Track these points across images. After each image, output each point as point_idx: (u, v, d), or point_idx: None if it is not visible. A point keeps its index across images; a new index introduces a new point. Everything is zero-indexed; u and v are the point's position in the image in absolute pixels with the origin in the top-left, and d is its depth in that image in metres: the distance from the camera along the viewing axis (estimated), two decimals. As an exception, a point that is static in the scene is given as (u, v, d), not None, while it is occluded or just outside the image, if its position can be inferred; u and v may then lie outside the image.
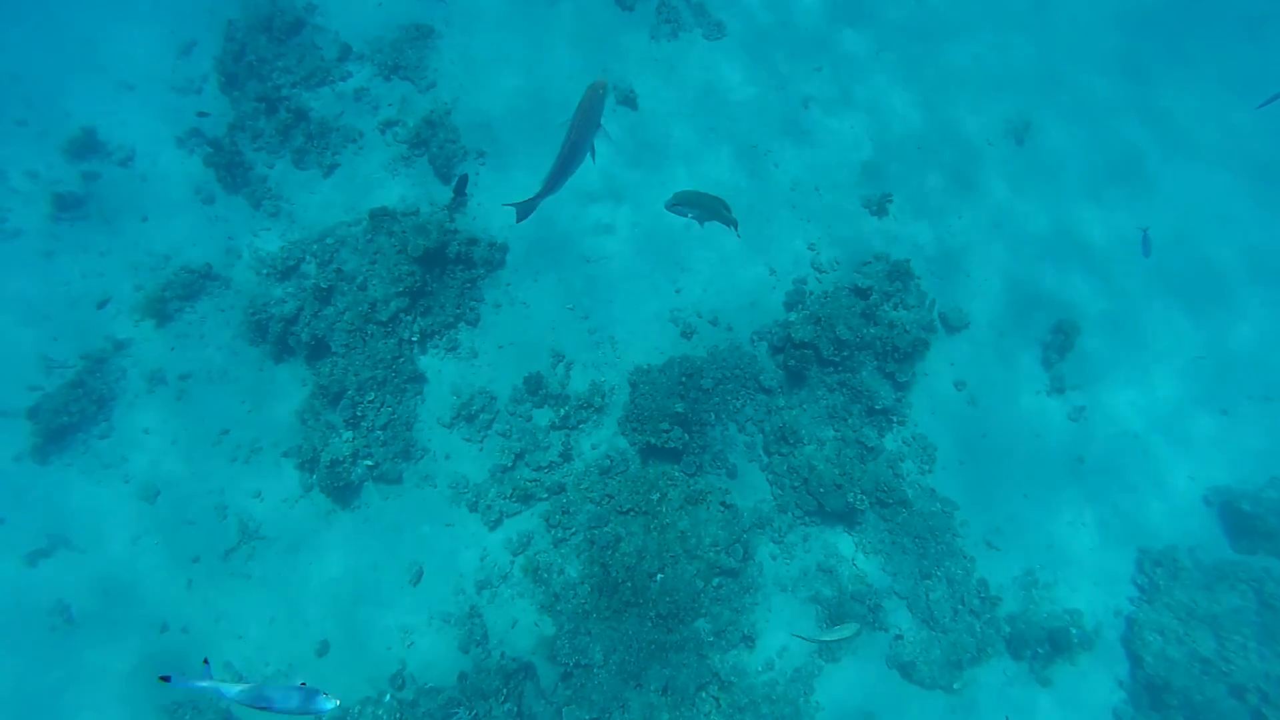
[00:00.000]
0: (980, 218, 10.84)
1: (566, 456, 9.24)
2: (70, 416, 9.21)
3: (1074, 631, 8.80)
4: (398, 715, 8.16)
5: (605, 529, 8.79)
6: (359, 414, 9.17)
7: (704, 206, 6.95)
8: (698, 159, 10.79)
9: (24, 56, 10.87)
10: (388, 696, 8.38)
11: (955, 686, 8.65)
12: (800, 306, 9.96)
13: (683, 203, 6.90)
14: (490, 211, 10.29)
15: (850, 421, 9.56)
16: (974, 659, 8.77)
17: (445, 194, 10.31)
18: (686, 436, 9.06)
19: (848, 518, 9.24)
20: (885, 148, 11.24)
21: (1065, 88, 12.17)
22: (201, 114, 10.48)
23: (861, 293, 9.76)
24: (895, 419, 9.70)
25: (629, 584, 8.51)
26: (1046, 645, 8.79)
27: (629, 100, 10.87)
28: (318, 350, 9.49)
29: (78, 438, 9.32)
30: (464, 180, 8.61)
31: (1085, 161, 11.70)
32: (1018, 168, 11.23)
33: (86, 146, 10.51)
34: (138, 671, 8.45)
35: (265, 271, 9.95)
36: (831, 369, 9.63)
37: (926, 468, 9.65)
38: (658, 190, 10.53)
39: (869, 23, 12.17)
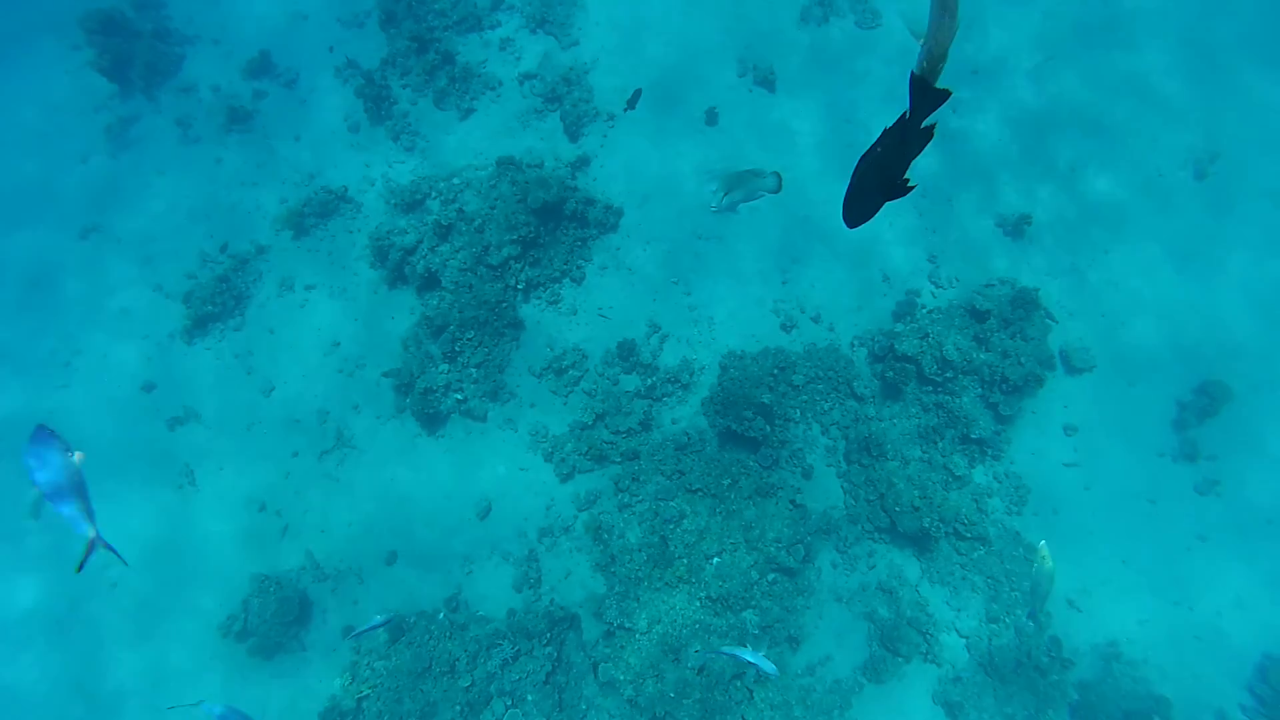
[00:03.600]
0: (1134, 255, 9.82)
1: (646, 426, 9.34)
2: (214, 307, 10.24)
3: None
4: (448, 634, 8.66)
5: (671, 503, 8.86)
6: (457, 349, 9.62)
7: (746, 185, 6.28)
8: (827, 149, 10.41)
9: (222, -21, 11.93)
10: (441, 615, 8.91)
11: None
12: (909, 319, 9.51)
13: (729, 192, 6.27)
14: (611, 174, 10.41)
15: (941, 445, 9.10)
16: (1030, 717, 8.26)
17: (570, 150, 10.51)
18: (768, 428, 8.93)
19: (919, 542, 8.86)
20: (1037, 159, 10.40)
21: (1257, 118, 10.59)
22: (331, 49, 11.19)
23: (978, 315, 9.19)
24: (990, 452, 9.14)
25: (685, 561, 8.57)
26: (1118, 723, 8.14)
27: (767, 81, 10.61)
28: (429, 283, 10.01)
29: (216, 327, 10.34)
30: (637, 94, 8.69)
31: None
32: (1192, 204, 9.94)
33: (261, 67, 11.46)
34: (241, 538, 9.43)
35: (393, 202, 10.55)
36: (931, 388, 9.18)
37: (1015, 509, 9.06)
38: (785, 176, 10.26)
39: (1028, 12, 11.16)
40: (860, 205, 2.78)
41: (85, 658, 9.17)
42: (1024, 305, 9.27)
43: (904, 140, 2.63)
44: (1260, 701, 8.12)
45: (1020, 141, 10.30)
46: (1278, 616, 8.42)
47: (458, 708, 8.28)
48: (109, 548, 3.78)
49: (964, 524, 8.68)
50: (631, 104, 8.66)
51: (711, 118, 10.48)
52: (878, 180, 2.69)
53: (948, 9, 2.62)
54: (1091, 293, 9.66)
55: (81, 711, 8.99)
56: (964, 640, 8.62)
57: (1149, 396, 9.23)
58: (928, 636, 8.50)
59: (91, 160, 11.45)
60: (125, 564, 4.61)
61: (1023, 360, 8.96)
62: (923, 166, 10.03)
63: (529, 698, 8.36)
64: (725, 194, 6.25)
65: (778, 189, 6.23)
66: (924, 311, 9.51)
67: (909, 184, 2.64)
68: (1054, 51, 10.61)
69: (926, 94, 2.55)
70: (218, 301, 10.28)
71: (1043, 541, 6.67)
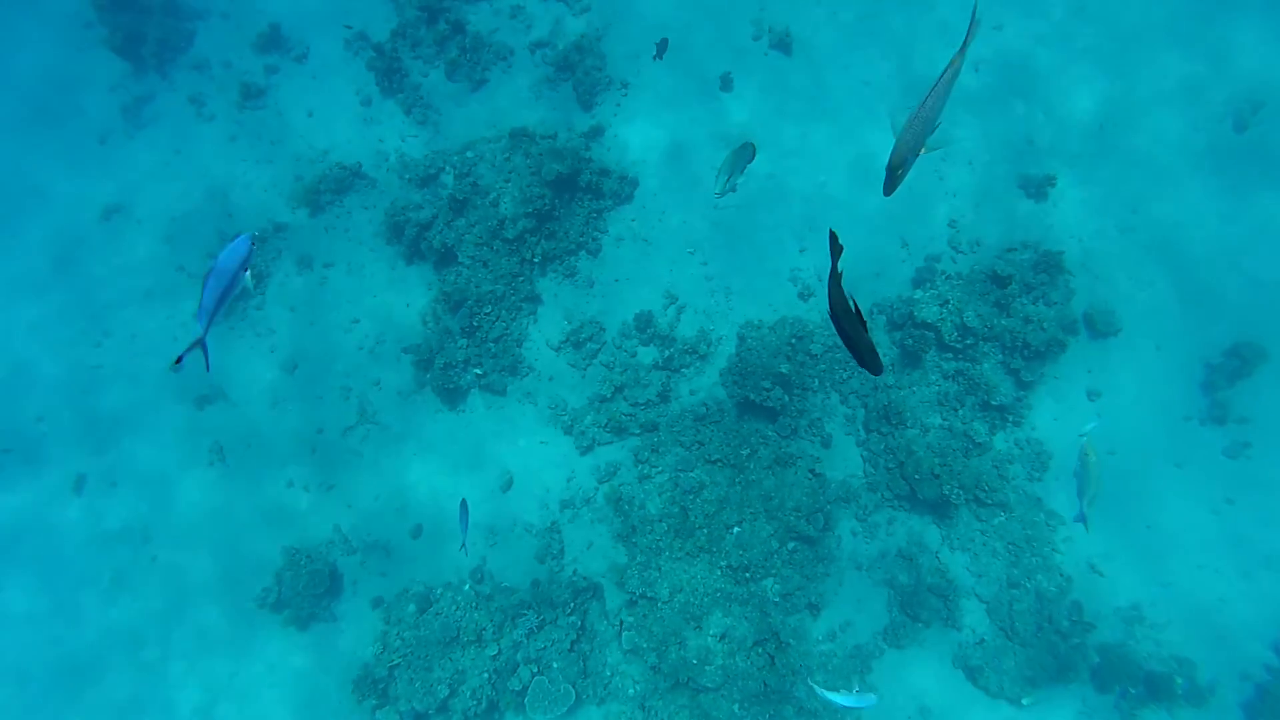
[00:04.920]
0: (1163, 213, 9.53)
1: (664, 397, 9.37)
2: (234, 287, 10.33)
3: (1179, 681, 8.06)
4: (474, 604, 8.86)
5: (691, 474, 8.92)
6: (475, 324, 9.66)
7: (737, 168, 6.57)
8: (849, 116, 10.16)
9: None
10: (467, 586, 9.11)
11: (1025, 702, 8.27)
12: (929, 285, 9.37)
13: (729, 176, 6.51)
14: (625, 144, 10.27)
15: (961, 413, 9.04)
16: (1051, 679, 8.31)
17: (584, 120, 10.38)
18: (786, 398, 8.91)
19: (939, 509, 8.86)
20: (1062, 123, 10.08)
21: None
22: (347, 26, 11.05)
23: (1000, 280, 9.03)
24: (1011, 418, 9.06)
25: (705, 530, 8.65)
26: (1141, 687, 8.15)
27: (783, 44, 10.34)
28: (446, 258, 10.02)
29: (238, 306, 10.45)
30: (664, 44, 8.63)
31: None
32: (1230, 159, 9.54)
33: (271, 41, 11.37)
34: (269, 518, 9.68)
35: (408, 176, 10.51)
36: (951, 355, 9.08)
37: (1037, 475, 9.01)
38: (801, 143, 10.09)
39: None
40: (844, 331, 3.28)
41: (130, 628, 9.54)
42: (1047, 269, 9.09)
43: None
44: (1285, 662, 8.11)
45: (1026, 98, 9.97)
46: (1307, 578, 8.36)
47: (486, 675, 8.52)
48: (205, 353, 4.05)
49: (985, 490, 8.65)
50: (660, 53, 8.52)
51: (726, 83, 10.27)
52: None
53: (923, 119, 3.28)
54: (1118, 254, 9.42)
55: (132, 675, 9.38)
56: (984, 605, 8.66)
57: (1176, 360, 9.05)
58: (948, 602, 8.55)
59: (109, 140, 11.51)
60: (208, 369, 4.91)
61: (1045, 325, 8.82)
62: (948, 127, 9.79)
63: (554, 665, 8.57)
64: (727, 179, 6.46)
65: (753, 158, 6.57)
66: (944, 278, 9.36)
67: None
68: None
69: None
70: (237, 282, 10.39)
71: (1086, 436, 6.72)
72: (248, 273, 3.84)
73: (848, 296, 3.25)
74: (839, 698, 7.04)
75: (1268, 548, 8.48)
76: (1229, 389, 8.82)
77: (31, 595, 9.76)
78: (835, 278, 3.21)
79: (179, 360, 3.89)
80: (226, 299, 3.92)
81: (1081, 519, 6.96)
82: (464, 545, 7.69)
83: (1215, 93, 9.63)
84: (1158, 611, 8.43)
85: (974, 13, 3.65)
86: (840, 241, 3.19)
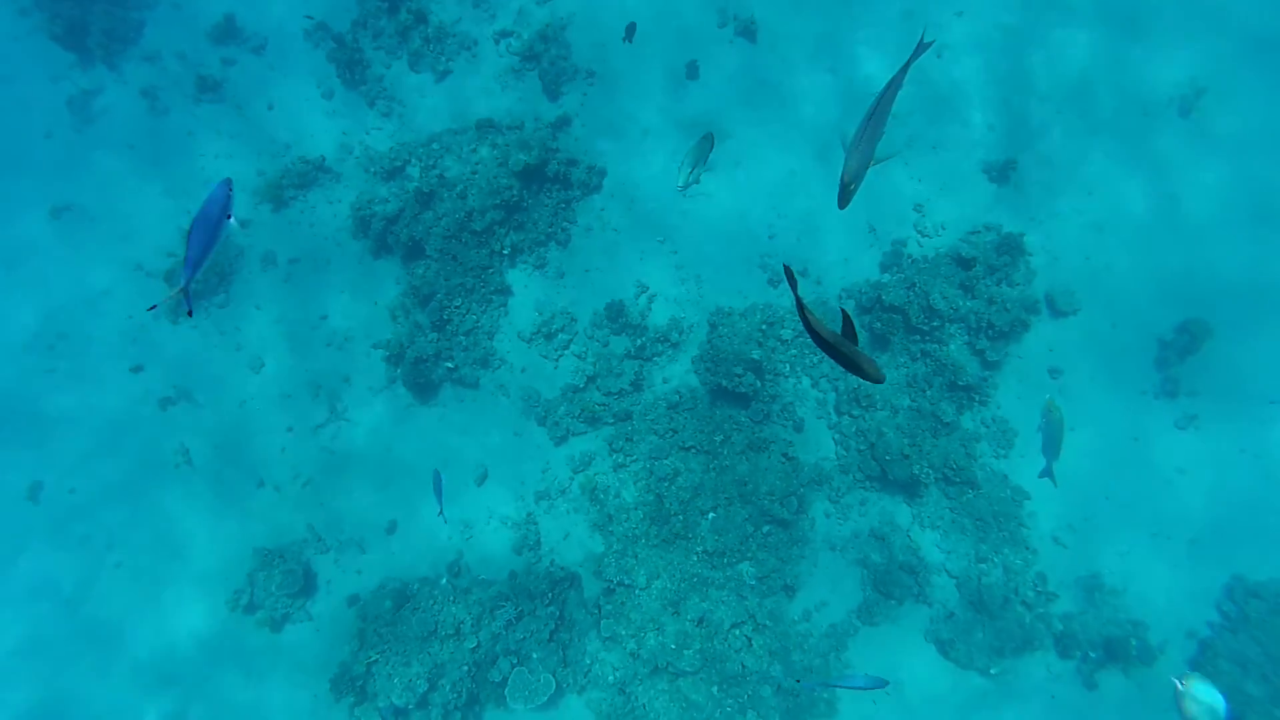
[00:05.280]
0: (1115, 199, 9.83)
1: (637, 386, 9.41)
2: (197, 285, 10.07)
3: (1134, 643, 8.43)
4: (452, 598, 8.84)
5: (665, 461, 8.98)
6: (445, 317, 9.59)
7: (700, 160, 6.68)
8: (809, 101, 10.25)
9: (177, -62, 11.40)
10: (444, 580, 9.08)
11: (993, 671, 8.53)
12: (896, 269, 9.55)
13: (692, 168, 6.60)
14: (594, 133, 10.24)
15: (929, 394, 9.24)
16: (1018, 649, 8.59)
17: (551, 110, 10.31)
18: (759, 384, 9.02)
19: (910, 489, 9.06)
20: (1017, 107, 10.29)
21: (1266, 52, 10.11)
22: (307, 17, 10.81)
23: (964, 263, 9.23)
24: (977, 398, 9.29)
25: (681, 517, 8.73)
26: (1100, 651, 8.49)
27: (748, 31, 10.38)
28: (414, 251, 9.91)
29: (200, 305, 10.22)
30: (632, 28, 8.66)
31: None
32: (1176, 143, 9.85)
33: (226, 33, 11.07)
34: (241, 514, 9.53)
35: (373, 170, 10.35)
36: (918, 337, 9.27)
37: (1003, 452, 9.26)
38: (766, 130, 10.15)
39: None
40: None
41: (102, 634, 9.32)
42: (1009, 251, 9.31)
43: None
44: (1225, 617, 8.63)
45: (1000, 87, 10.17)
46: (1250, 540, 8.76)
47: (465, 668, 8.51)
48: (188, 303, 4.01)
49: (953, 469, 8.87)
50: (629, 36, 8.54)
51: (693, 71, 10.28)
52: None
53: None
54: (1075, 236, 9.68)
55: (101, 676, 9.17)
56: (954, 580, 8.90)
57: (1132, 336, 9.36)
58: (919, 578, 8.76)
59: (56, 135, 11.10)
60: (190, 316, 4.89)
61: (1008, 306, 9.04)
62: (906, 112, 9.95)
63: (534, 655, 8.60)
64: (690, 170, 6.54)
65: (711, 147, 6.68)
66: (910, 261, 9.54)
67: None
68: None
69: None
70: (199, 279, 10.14)
71: (1049, 396, 7.24)
72: (231, 219, 3.85)
73: (820, 316, 3.31)
74: (849, 681, 7.16)
75: (1215, 515, 8.87)
76: (1180, 364, 9.15)
77: None
78: (803, 308, 3.26)
79: (153, 308, 4.51)
80: (212, 247, 3.86)
81: (1048, 474, 7.26)
82: (441, 513, 7.86)
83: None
84: (1115, 579, 8.76)
85: (921, 37, 4.05)
86: (795, 274, 3.28)
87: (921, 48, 3.94)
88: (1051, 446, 7.07)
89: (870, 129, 3.76)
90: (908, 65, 3.82)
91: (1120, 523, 8.95)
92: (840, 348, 3.21)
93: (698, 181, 6.83)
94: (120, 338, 10.26)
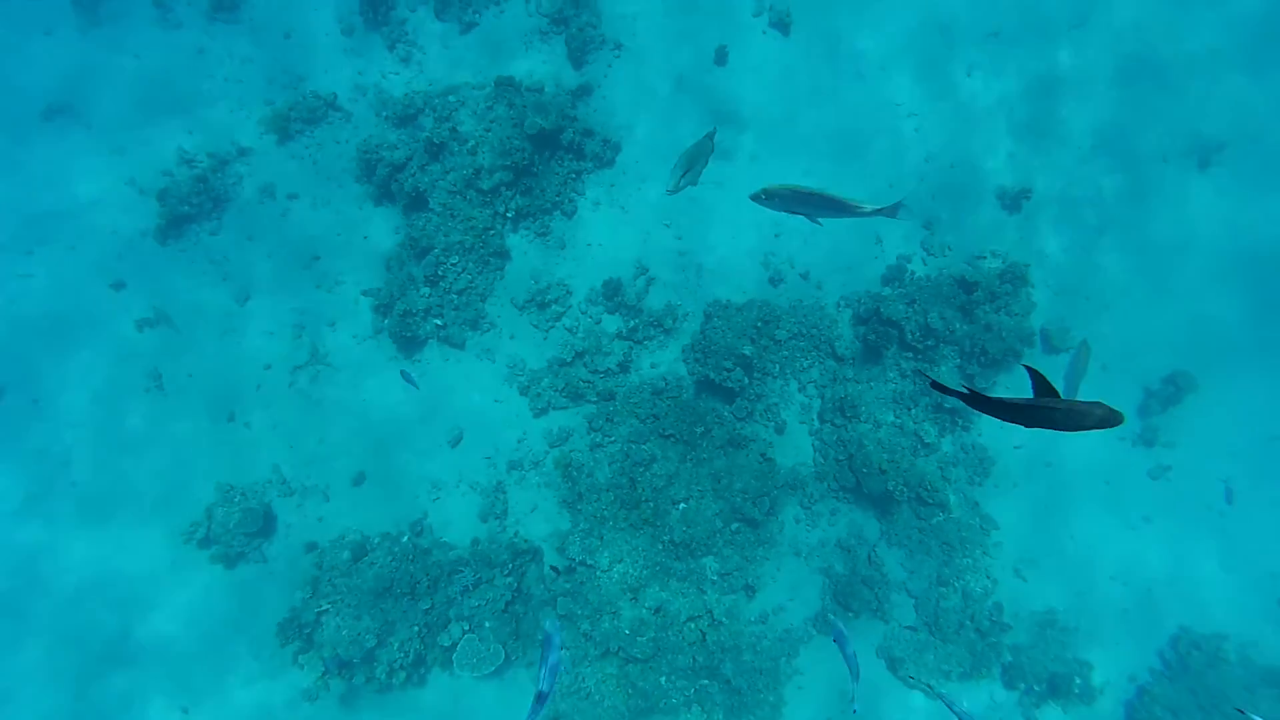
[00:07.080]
0: (1127, 244, 9.80)
1: (624, 368, 9.31)
2: (190, 207, 9.83)
3: (1077, 681, 8.54)
4: (411, 557, 8.73)
5: (643, 446, 8.91)
6: (440, 273, 9.41)
7: (696, 163, 6.11)
8: (832, 100, 10.11)
9: None
10: (405, 538, 8.96)
11: (938, 692, 8.59)
12: (898, 284, 9.49)
13: (685, 173, 6.11)
14: (613, 107, 10.05)
15: (914, 412, 9.23)
16: (964, 674, 8.67)
17: (573, 78, 10.10)
18: (746, 380, 8.95)
19: (882, 504, 9.06)
20: (1040, 137, 10.22)
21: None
22: None
23: (967, 286, 9.19)
24: (960, 422, 9.29)
25: (651, 504, 8.67)
26: (1044, 685, 8.59)
27: (782, 24, 10.21)
28: (416, 202, 9.70)
29: (192, 229, 9.96)
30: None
31: None
32: (1185, 197, 9.91)
33: (249, -50, 10.70)
34: (208, 446, 9.34)
35: (385, 114, 10.10)
36: (911, 354, 9.23)
37: (978, 480, 9.29)
38: (786, 125, 10.01)
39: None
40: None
41: (42, 547, 9.12)
42: (1012, 280, 9.28)
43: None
44: (1165, 665, 8.80)
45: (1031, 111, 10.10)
46: (1202, 594, 8.90)
47: (415, 628, 8.43)
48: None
49: (927, 490, 8.88)
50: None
51: (721, 57, 10.11)
52: None
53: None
54: (1079, 272, 9.67)
55: (35, 600, 8.99)
56: (913, 600, 8.93)
57: (1120, 382, 9.40)
58: (879, 594, 8.79)
59: (57, 33, 10.69)
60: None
61: (1004, 335, 9.03)
62: (930, 136, 9.85)
63: (486, 624, 8.53)
64: (684, 174, 6.06)
65: (712, 150, 6.26)
66: (913, 278, 9.49)
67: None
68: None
69: None
70: (194, 202, 9.86)
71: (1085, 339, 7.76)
72: (565, 651, 4.79)
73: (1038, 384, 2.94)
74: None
75: (1172, 566, 8.98)
76: (1161, 414, 9.21)
77: (-62, 508, 9.24)
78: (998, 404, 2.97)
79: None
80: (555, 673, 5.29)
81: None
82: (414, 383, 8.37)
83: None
84: (1070, 618, 8.84)
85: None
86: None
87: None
88: (1072, 381, 7.19)
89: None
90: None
91: (1082, 562, 9.02)
92: (1058, 407, 2.89)
93: (694, 184, 6.25)
94: (104, 253, 9.97)
